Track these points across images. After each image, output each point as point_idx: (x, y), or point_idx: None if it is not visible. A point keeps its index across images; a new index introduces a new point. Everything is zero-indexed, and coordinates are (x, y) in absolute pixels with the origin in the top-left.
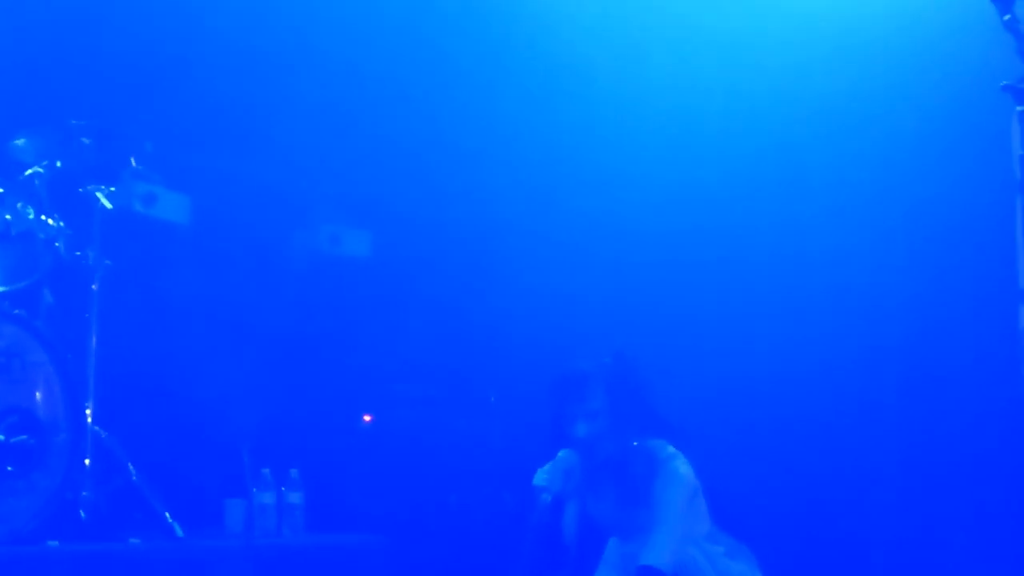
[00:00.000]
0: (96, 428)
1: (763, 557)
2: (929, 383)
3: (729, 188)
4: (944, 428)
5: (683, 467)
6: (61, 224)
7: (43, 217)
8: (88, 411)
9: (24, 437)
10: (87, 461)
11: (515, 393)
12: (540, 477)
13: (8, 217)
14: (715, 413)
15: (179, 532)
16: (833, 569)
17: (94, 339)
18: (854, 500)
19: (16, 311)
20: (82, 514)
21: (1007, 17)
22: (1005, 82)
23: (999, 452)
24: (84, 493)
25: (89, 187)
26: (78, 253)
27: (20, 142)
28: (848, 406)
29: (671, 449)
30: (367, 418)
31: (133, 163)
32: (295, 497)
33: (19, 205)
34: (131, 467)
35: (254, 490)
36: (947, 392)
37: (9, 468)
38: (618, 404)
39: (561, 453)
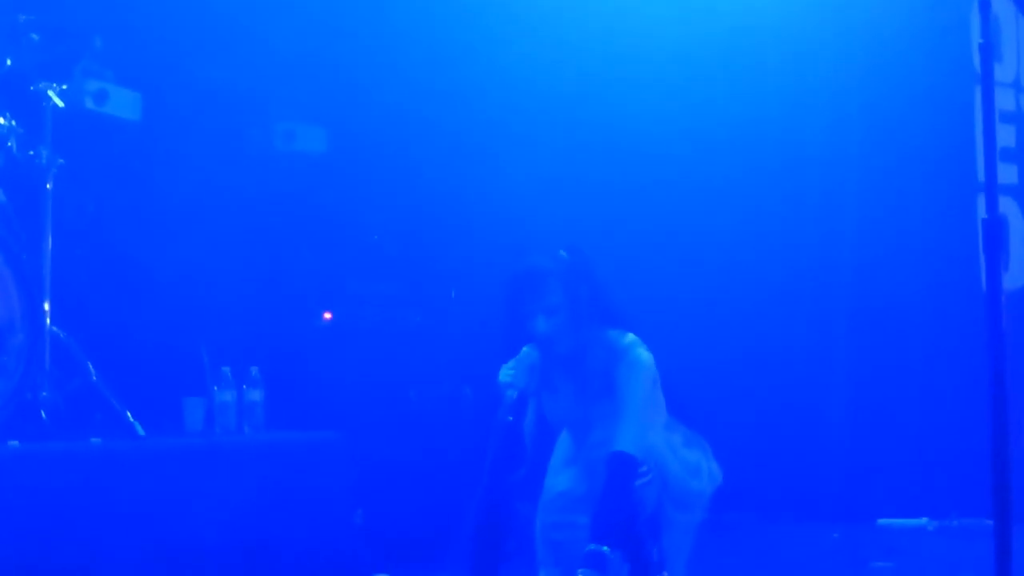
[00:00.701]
0: (54, 328)
1: (717, 447)
2: (889, 272)
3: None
4: (903, 313)
5: (644, 354)
6: (13, 123)
7: None
8: (45, 311)
9: None
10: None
11: (475, 288)
12: (505, 373)
13: None
14: (670, 307)
15: (140, 431)
16: (784, 457)
17: (49, 239)
18: (809, 387)
19: None
20: (42, 414)
21: None
22: None
23: (955, 335)
24: (44, 394)
25: (40, 85)
26: (31, 152)
27: None
28: (807, 293)
29: (631, 337)
30: (327, 316)
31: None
32: (255, 395)
33: None
34: (90, 367)
35: (214, 388)
36: (907, 280)
37: None
38: (576, 299)
39: (525, 349)
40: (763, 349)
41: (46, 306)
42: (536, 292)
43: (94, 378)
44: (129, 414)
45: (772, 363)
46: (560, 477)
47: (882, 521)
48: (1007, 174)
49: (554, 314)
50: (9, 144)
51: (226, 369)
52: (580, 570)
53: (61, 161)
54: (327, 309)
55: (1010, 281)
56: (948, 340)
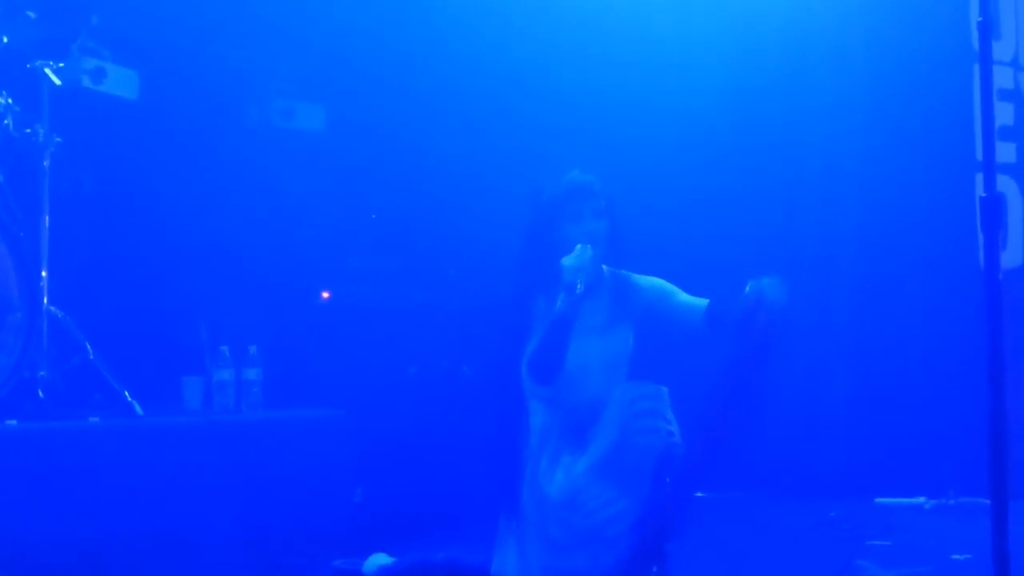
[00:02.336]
0: (52, 307)
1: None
2: (889, 251)
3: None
4: (902, 291)
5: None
6: (9, 101)
7: None
8: (43, 290)
9: None
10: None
11: (474, 266)
12: (573, 262)
13: None
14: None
15: (138, 410)
16: (783, 435)
17: (47, 217)
18: (807, 365)
19: None
20: (40, 393)
21: None
22: None
23: (954, 313)
24: (41, 373)
25: (36, 63)
26: (28, 130)
27: None
28: (806, 271)
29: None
30: (325, 294)
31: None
32: (253, 373)
33: None
34: (88, 346)
35: (212, 367)
36: (906, 259)
37: None
38: (613, 228)
39: (580, 246)
40: None
41: (43, 285)
42: (578, 213)
43: (92, 357)
44: (127, 393)
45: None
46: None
47: (879, 500)
48: (1005, 153)
49: (596, 242)
50: (6, 122)
51: (224, 348)
52: None
53: (58, 139)
54: (325, 287)
55: (1008, 259)
56: (946, 319)
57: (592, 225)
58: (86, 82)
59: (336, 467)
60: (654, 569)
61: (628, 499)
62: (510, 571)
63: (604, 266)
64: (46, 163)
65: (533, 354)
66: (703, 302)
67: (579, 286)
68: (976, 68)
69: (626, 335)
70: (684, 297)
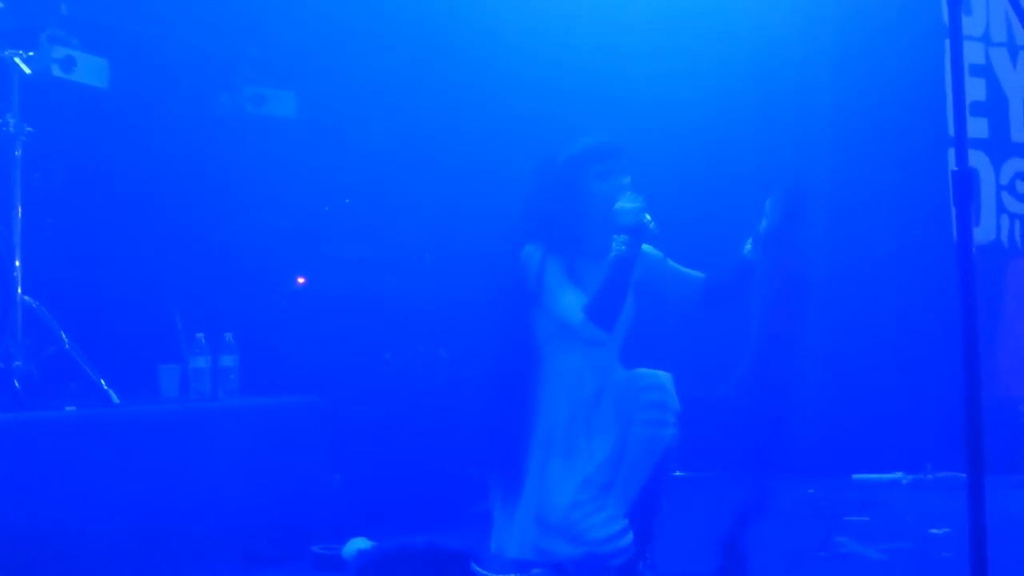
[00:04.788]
0: (26, 297)
1: (690, 404)
2: (861, 227)
3: None
4: (875, 268)
5: None
6: None
7: None
8: (17, 280)
9: None
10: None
11: (449, 251)
12: (630, 203)
13: None
14: None
15: (114, 399)
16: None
17: (19, 207)
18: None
19: None
20: (16, 384)
21: None
22: None
23: (927, 289)
24: (17, 363)
25: (6, 52)
26: None
27: None
28: None
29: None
30: (300, 280)
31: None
32: (229, 360)
33: None
34: (63, 335)
35: (188, 355)
36: (879, 235)
37: None
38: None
39: (628, 193)
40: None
41: (17, 275)
42: (611, 169)
43: (67, 346)
44: (103, 382)
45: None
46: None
47: (857, 476)
48: (977, 128)
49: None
50: None
51: (200, 335)
52: None
53: (29, 129)
54: (300, 274)
55: (981, 235)
56: (920, 294)
57: (622, 181)
58: (56, 71)
59: (314, 453)
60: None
61: (628, 505)
62: (508, 543)
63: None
64: (18, 153)
65: (595, 301)
66: (699, 273)
67: (651, 223)
68: (947, 43)
69: (629, 300)
70: (679, 266)
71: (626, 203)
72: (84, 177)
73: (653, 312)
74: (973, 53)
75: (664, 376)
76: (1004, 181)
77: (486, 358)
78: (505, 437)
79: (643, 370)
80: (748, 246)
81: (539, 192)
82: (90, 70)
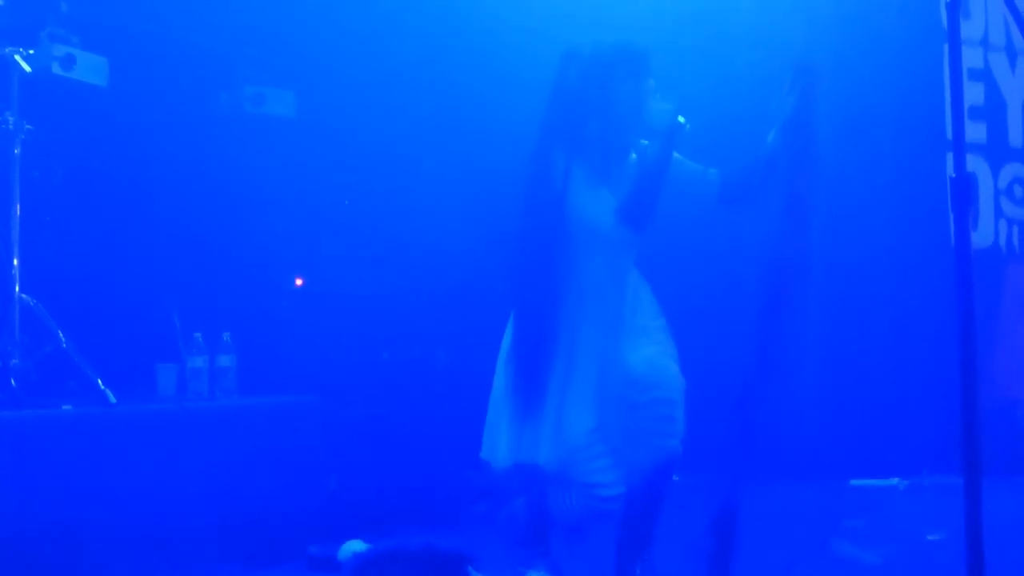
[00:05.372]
0: (23, 295)
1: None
2: (860, 231)
3: None
4: (873, 272)
5: None
6: None
7: None
8: (15, 278)
9: None
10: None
11: (446, 251)
12: (664, 104)
13: None
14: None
15: (111, 398)
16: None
17: (17, 206)
18: None
19: None
20: (12, 382)
21: None
22: None
23: (925, 293)
24: (14, 361)
25: (6, 50)
26: None
27: None
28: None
29: None
30: (298, 280)
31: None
32: (227, 360)
33: None
34: (61, 334)
35: (186, 354)
36: (878, 239)
37: None
38: None
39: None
40: (732, 309)
41: (15, 273)
42: (644, 69)
43: (64, 345)
44: (100, 381)
45: (742, 323)
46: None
47: (854, 481)
48: (976, 132)
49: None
50: None
51: (198, 335)
52: None
53: (29, 127)
54: (298, 274)
55: (979, 239)
56: (917, 298)
57: (650, 83)
58: (56, 69)
59: (311, 453)
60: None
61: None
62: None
63: None
64: (17, 151)
65: (628, 202)
66: (713, 170)
67: (686, 124)
68: (946, 47)
69: None
70: (692, 163)
71: (660, 104)
72: (83, 175)
73: (668, 213)
74: (972, 57)
75: (676, 383)
76: (1002, 186)
77: (512, 263)
78: (529, 343)
79: (657, 362)
80: (771, 136)
81: (563, 92)
82: (90, 68)
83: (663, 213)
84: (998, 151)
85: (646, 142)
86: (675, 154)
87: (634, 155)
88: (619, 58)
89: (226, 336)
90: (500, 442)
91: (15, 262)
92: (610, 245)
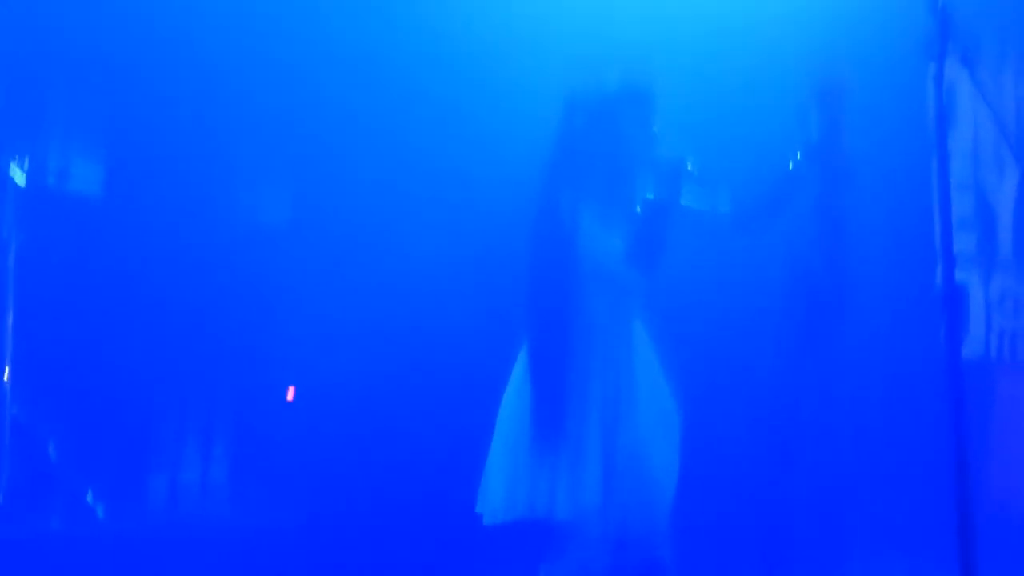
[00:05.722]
0: (14, 408)
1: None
2: (850, 340)
3: None
4: (864, 383)
5: None
6: None
7: None
8: (6, 391)
9: None
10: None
11: (438, 368)
12: (669, 146)
13: None
14: None
15: (100, 513)
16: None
17: (11, 316)
18: (768, 467)
19: None
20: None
21: None
22: (918, 39)
23: (916, 406)
24: (2, 476)
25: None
26: None
27: None
28: (767, 368)
29: None
30: (291, 391)
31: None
32: (218, 473)
33: None
34: (50, 448)
35: (178, 467)
36: (868, 349)
37: None
38: None
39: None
40: (729, 419)
41: (6, 385)
42: (651, 112)
43: (54, 459)
44: (89, 495)
45: (739, 432)
46: None
47: None
48: (966, 242)
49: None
50: None
51: (190, 448)
52: None
53: (23, 237)
54: (291, 383)
55: (970, 350)
56: (908, 411)
57: (657, 126)
58: (51, 180)
59: (303, 573)
60: None
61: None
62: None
63: None
64: (11, 262)
65: (637, 245)
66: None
67: (692, 168)
68: (934, 161)
69: None
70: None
71: (666, 148)
72: (77, 285)
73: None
74: (960, 168)
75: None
76: (993, 296)
77: (521, 307)
78: (544, 391)
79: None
80: (796, 158)
81: (568, 138)
82: (85, 178)
83: (672, 257)
84: (988, 261)
85: (652, 186)
86: (682, 200)
87: (643, 197)
88: (625, 100)
89: (218, 449)
90: (506, 493)
91: (6, 375)
92: (618, 288)
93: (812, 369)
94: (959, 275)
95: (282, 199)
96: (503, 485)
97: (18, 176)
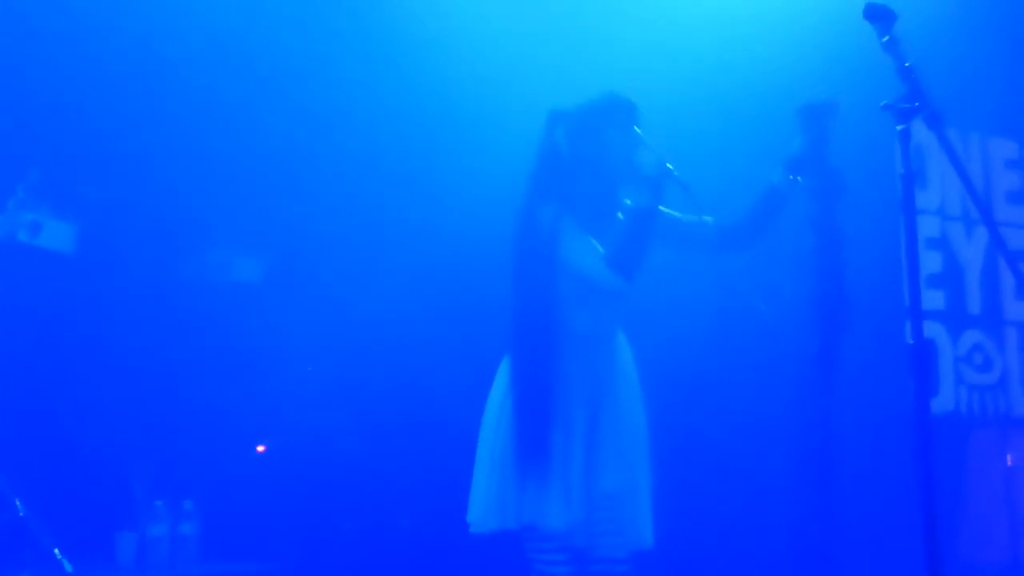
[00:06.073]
0: None
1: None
2: (819, 394)
3: None
4: (834, 437)
5: None
6: None
7: None
8: None
9: None
10: None
11: (411, 418)
12: (652, 155)
13: None
14: None
15: (68, 568)
16: None
17: None
18: (743, 530)
19: None
20: None
21: (886, 39)
22: (885, 102)
23: (887, 458)
24: None
25: None
26: None
27: None
28: (740, 409)
29: None
30: (261, 448)
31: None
32: (188, 528)
33: None
34: (18, 502)
35: (146, 522)
36: (838, 403)
37: None
38: None
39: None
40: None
41: None
42: (631, 120)
43: (22, 514)
44: (57, 551)
45: (717, 491)
46: None
47: None
48: (934, 300)
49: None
50: None
51: (159, 503)
52: None
53: None
54: (261, 441)
55: (940, 405)
56: (879, 467)
57: (638, 134)
58: (23, 236)
59: None
60: None
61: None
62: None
63: None
64: None
65: (617, 248)
66: (708, 218)
67: (674, 171)
68: (902, 218)
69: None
70: (679, 214)
71: (647, 153)
72: (46, 341)
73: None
74: (929, 226)
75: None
76: (962, 352)
77: (507, 323)
78: (528, 402)
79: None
80: (776, 175)
81: (550, 149)
82: (57, 235)
83: (657, 265)
84: (957, 318)
85: (635, 192)
86: (664, 208)
87: (625, 204)
88: (606, 111)
89: (187, 504)
90: (495, 505)
91: None
92: (600, 295)
93: (780, 423)
94: (928, 331)
95: (252, 264)
96: (485, 495)
97: None
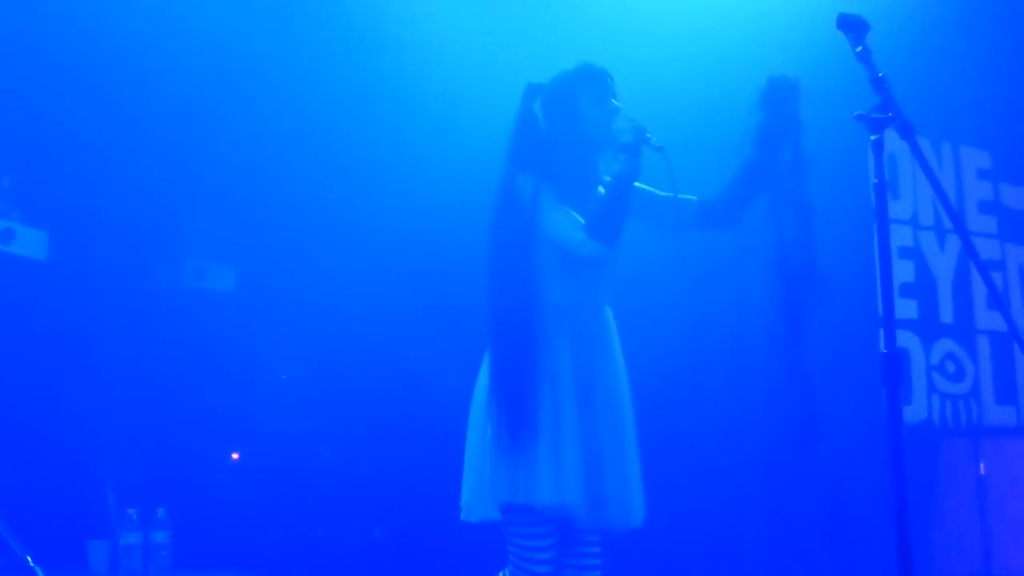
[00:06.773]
0: None
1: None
2: (794, 405)
3: None
4: (810, 432)
5: None
6: None
7: None
8: None
9: None
10: None
11: (384, 427)
12: (627, 120)
13: None
14: None
15: None
16: None
17: None
18: (716, 537)
19: None
20: None
21: (859, 49)
22: (858, 112)
23: (860, 467)
24: None
25: None
26: None
27: None
28: (716, 415)
29: None
30: (235, 456)
31: None
32: (161, 536)
33: None
34: None
35: (119, 530)
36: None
37: None
38: None
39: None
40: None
41: None
42: (603, 94)
43: None
44: (29, 558)
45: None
46: None
47: None
48: (907, 309)
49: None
50: None
51: (131, 511)
52: None
53: None
54: (234, 448)
55: (913, 414)
56: (851, 475)
57: (615, 104)
58: None
59: None
60: None
61: None
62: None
63: None
64: None
65: (595, 216)
66: (690, 196)
67: (652, 138)
68: (875, 227)
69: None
70: (658, 191)
71: (623, 121)
72: (19, 349)
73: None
74: (902, 236)
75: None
76: (934, 361)
77: (488, 296)
78: (512, 379)
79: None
80: (747, 150)
81: (527, 121)
82: (29, 242)
83: (641, 238)
84: (929, 327)
85: (612, 160)
86: (645, 185)
87: (604, 178)
88: (582, 81)
89: (160, 512)
90: (487, 488)
91: None
92: (582, 264)
93: (753, 431)
94: (901, 340)
95: (226, 272)
96: (475, 481)
97: None
